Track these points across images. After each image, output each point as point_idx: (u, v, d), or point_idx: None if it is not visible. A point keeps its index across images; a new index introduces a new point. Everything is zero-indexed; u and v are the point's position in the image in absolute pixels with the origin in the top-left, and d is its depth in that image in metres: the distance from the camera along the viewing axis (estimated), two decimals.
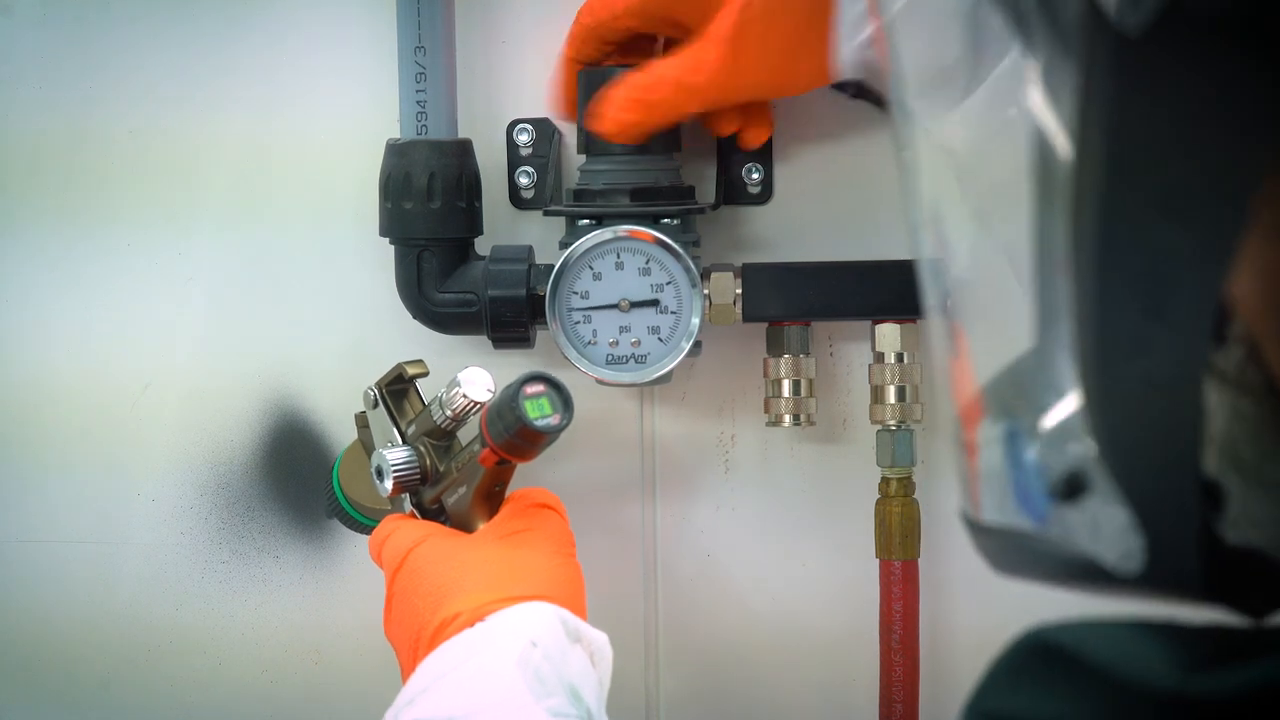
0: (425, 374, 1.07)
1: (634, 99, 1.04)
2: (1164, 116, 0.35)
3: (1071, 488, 0.42)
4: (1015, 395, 0.45)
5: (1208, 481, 0.43)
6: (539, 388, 0.94)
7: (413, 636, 0.93)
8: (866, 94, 1.11)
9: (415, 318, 1.13)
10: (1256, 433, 0.42)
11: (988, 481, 0.47)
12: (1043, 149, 0.39)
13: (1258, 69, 0.35)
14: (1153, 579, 0.42)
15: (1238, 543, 0.43)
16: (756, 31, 1.00)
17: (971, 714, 0.47)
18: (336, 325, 1.19)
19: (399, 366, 1.06)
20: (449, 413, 1.01)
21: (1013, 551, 0.47)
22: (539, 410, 0.93)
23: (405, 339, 1.14)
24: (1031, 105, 0.39)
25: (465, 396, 0.99)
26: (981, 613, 1.17)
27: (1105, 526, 0.42)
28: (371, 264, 1.16)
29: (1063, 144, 0.38)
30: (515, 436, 0.93)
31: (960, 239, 0.48)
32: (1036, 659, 0.45)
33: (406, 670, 0.93)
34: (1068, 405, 0.41)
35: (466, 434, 1.01)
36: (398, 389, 1.06)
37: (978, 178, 0.46)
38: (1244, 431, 0.43)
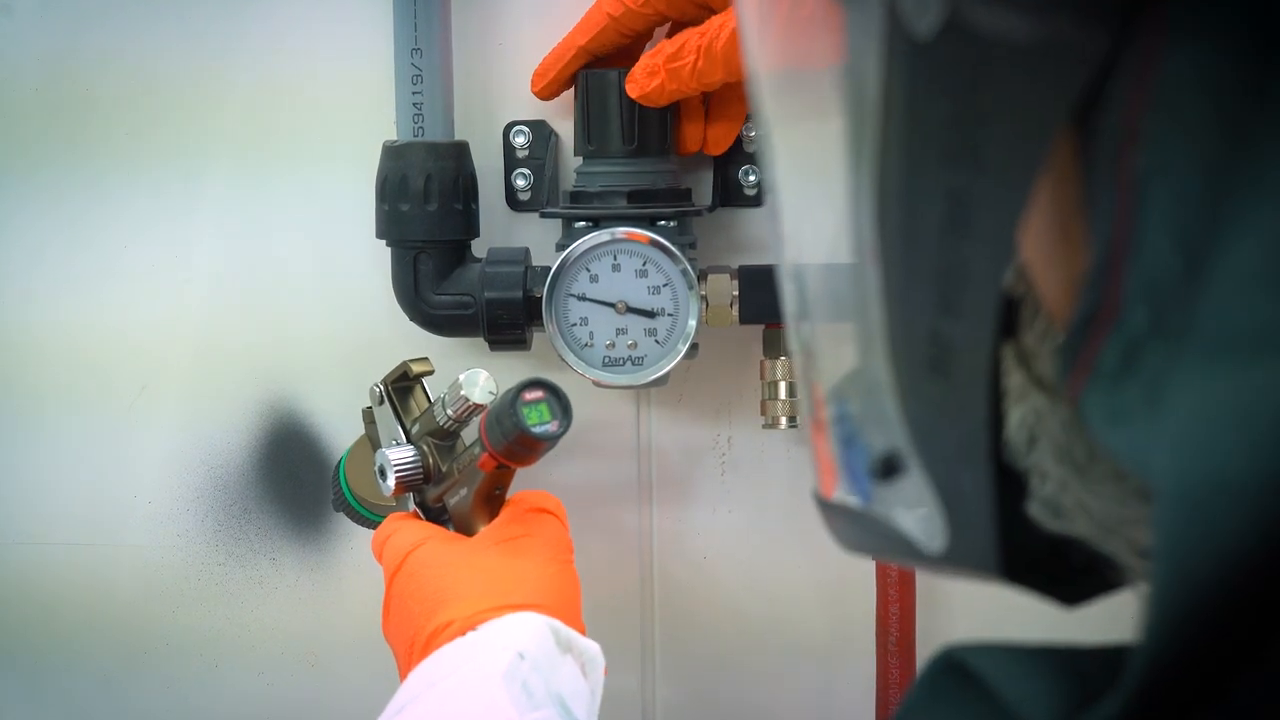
0: (430, 372, 1.06)
1: (658, 65, 1.04)
2: (948, 112, 0.38)
3: (888, 468, 0.44)
4: (845, 377, 0.47)
5: (1018, 468, 0.44)
6: (538, 394, 0.93)
7: (408, 641, 0.93)
8: None
9: (412, 320, 1.13)
10: (1063, 419, 0.43)
11: (827, 459, 0.49)
12: (853, 142, 0.41)
13: (1028, 79, 0.37)
14: (953, 559, 0.44)
15: (1055, 531, 0.44)
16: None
17: None
18: (333, 327, 1.19)
19: (404, 364, 1.05)
20: (450, 413, 1.00)
21: (848, 527, 0.49)
22: (538, 417, 0.93)
23: (402, 341, 1.14)
24: (844, 100, 0.42)
25: (465, 399, 0.99)
26: (978, 616, 1.17)
27: (916, 506, 0.44)
28: (368, 266, 1.16)
29: (867, 137, 0.40)
30: (513, 443, 0.93)
31: (801, 224, 0.50)
32: (949, 679, 0.47)
33: (403, 672, 0.93)
34: (884, 390, 0.43)
35: (471, 433, 1.01)
36: (403, 386, 1.06)
37: (812, 164, 0.48)
38: (1049, 417, 0.44)
